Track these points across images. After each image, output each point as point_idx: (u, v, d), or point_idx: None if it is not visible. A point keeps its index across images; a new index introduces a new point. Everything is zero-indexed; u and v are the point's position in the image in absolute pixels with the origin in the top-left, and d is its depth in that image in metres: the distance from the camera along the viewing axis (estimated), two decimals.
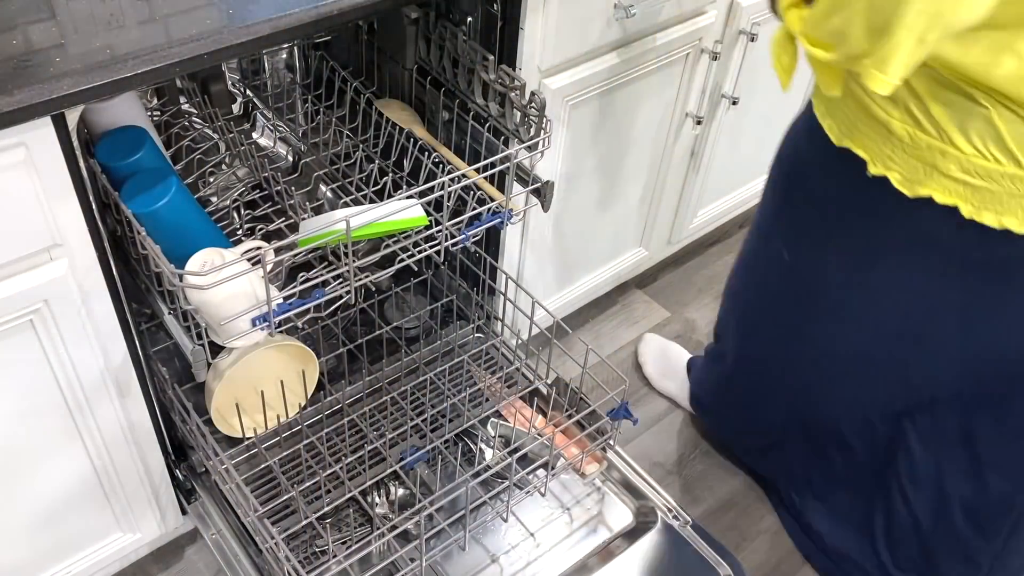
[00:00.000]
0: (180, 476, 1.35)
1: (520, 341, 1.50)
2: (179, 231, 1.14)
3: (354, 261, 1.08)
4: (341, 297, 1.11)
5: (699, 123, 1.70)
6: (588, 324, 2.01)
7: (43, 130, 0.92)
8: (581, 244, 1.73)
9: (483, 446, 1.44)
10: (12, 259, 0.98)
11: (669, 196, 1.84)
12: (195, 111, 1.56)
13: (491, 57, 1.26)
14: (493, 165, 1.22)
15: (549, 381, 1.43)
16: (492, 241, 1.54)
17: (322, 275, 1.10)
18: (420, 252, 1.20)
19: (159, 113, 1.50)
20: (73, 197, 0.99)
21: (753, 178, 2.06)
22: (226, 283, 1.02)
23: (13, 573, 1.25)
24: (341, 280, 1.10)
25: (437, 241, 1.17)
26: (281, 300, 1.05)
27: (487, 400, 1.49)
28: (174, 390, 1.24)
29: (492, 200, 1.23)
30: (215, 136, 1.54)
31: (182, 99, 1.56)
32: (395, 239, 1.21)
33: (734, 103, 1.74)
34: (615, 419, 1.31)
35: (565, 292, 1.80)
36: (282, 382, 1.29)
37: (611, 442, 1.34)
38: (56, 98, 0.89)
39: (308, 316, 1.11)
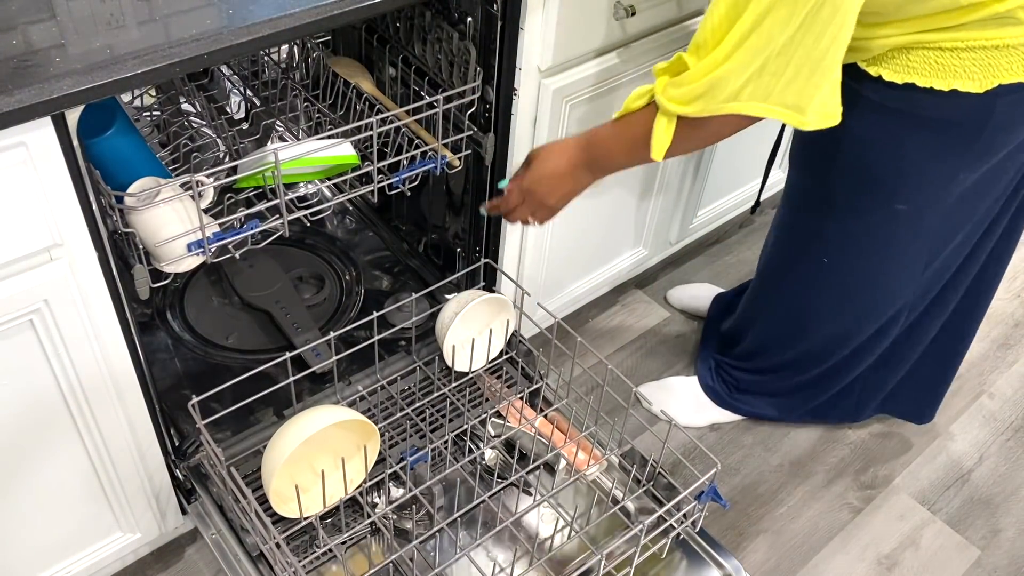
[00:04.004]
0: (180, 476, 1.35)
1: (520, 341, 1.50)
2: (125, 164, 1.18)
3: (286, 195, 1.17)
4: (277, 230, 1.20)
5: None
6: (588, 324, 2.01)
7: (43, 130, 0.92)
8: (581, 244, 1.73)
9: (483, 446, 1.44)
10: (12, 259, 0.98)
11: (669, 196, 1.84)
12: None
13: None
14: (420, 110, 1.30)
15: (621, 451, 1.40)
16: (492, 242, 1.54)
17: (257, 207, 1.19)
18: (355, 191, 1.31)
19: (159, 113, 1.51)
20: (73, 197, 0.98)
21: (753, 178, 2.06)
22: (160, 208, 1.11)
23: (13, 573, 1.25)
24: (278, 216, 1.19)
25: (373, 182, 1.27)
26: (217, 229, 1.14)
27: (487, 400, 1.49)
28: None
29: (426, 145, 1.33)
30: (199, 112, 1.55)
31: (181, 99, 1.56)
32: (331, 179, 1.33)
33: None
34: (703, 503, 1.27)
35: (565, 292, 1.80)
36: (343, 459, 1.26)
37: (693, 524, 1.32)
38: (56, 98, 0.89)
39: (245, 248, 1.20)
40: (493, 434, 1.44)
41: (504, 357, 1.50)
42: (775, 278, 1.62)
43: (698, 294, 2.04)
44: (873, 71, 1.21)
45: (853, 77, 1.23)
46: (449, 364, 1.43)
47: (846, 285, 1.49)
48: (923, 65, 1.16)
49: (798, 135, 1.43)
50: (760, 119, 1.12)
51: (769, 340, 1.70)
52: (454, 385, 1.46)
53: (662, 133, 1.17)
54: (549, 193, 1.31)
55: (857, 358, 1.63)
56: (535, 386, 1.48)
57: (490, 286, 1.58)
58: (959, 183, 1.30)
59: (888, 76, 1.19)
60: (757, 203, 1.72)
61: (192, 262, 1.17)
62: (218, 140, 1.57)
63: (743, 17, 1.04)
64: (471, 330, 1.44)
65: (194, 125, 1.55)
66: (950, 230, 1.39)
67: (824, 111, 1.10)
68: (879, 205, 1.35)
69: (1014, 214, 1.42)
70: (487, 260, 1.52)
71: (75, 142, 0.96)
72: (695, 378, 1.85)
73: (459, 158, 1.37)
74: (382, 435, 1.37)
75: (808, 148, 1.41)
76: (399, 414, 1.41)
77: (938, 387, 1.75)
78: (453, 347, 1.41)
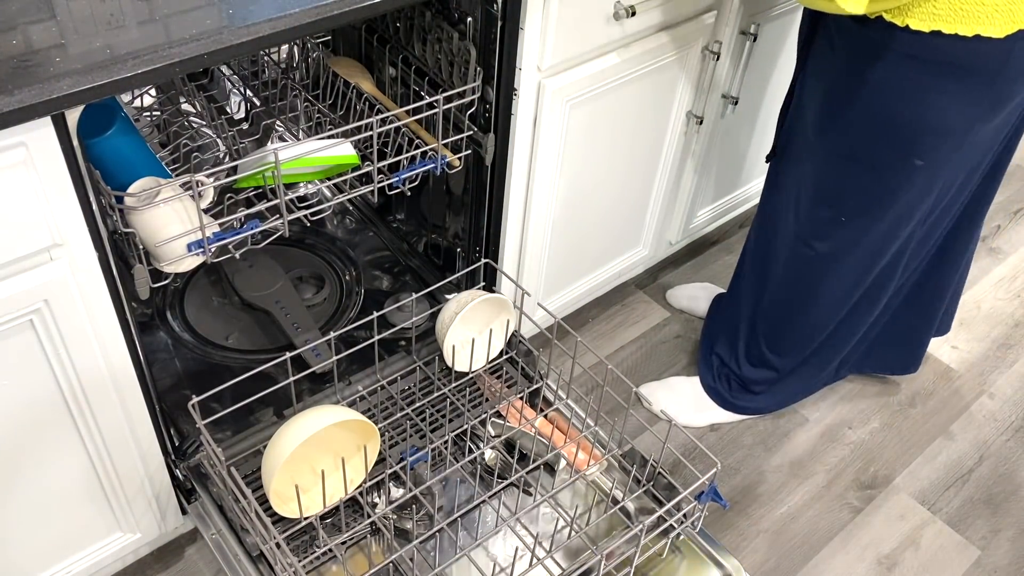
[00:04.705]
0: (180, 476, 1.35)
1: (520, 341, 1.50)
2: (125, 164, 1.18)
3: (286, 195, 1.17)
4: (277, 230, 1.21)
5: (700, 123, 1.70)
6: (588, 324, 2.01)
7: (43, 130, 0.92)
8: (581, 244, 1.73)
9: (483, 446, 1.44)
10: (12, 259, 0.98)
11: (669, 196, 1.84)
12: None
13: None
14: (419, 111, 1.30)
15: (621, 451, 1.40)
16: (492, 242, 1.54)
17: (257, 207, 1.19)
18: (354, 191, 1.30)
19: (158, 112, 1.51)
20: (73, 197, 0.99)
21: (753, 178, 2.06)
22: (160, 208, 1.11)
23: (13, 573, 1.26)
24: (278, 216, 1.20)
25: (373, 182, 1.28)
26: (217, 229, 1.14)
27: (487, 400, 1.49)
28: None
29: (426, 145, 1.34)
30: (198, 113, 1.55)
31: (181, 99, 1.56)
32: (331, 179, 1.34)
33: (734, 103, 1.74)
34: (703, 503, 1.28)
35: (565, 292, 1.80)
36: (343, 459, 1.26)
37: (694, 524, 1.32)
38: (56, 98, 0.89)
39: (245, 248, 1.21)
40: (493, 434, 1.44)
41: (504, 357, 1.50)
42: (783, 242, 1.62)
43: (698, 294, 2.04)
44: (899, 21, 1.23)
45: (878, 30, 1.26)
46: (449, 364, 1.43)
47: (857, 240, 1.52)
48: (948, 12, 1.19)
49: (820, 90, 1.44)
50: None
51: (773, 315, 1.70)
52: (454, 385, 1.46)
53: None
54: None
55: (854, 319, 1.66)
56: (535, 386, 1.48)
57: (490, 286, 1.58)
58: (974, 135, 1.33)
59: (915, 25, 1.22)
60: (774, 151, 1.73)
61: (192, 262, 1.17)
62: (218, 140, 1.57)
63: None
64: (471, 330, 1.44)
65: (194, 125, 1.55)
66: (954, 183, 1.44)
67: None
68: (899, 160, 1.38)
69: (996, 162, 1.48)
70: (487, 260, 1.52)
71: (75, 142, 0.96)
72: (696, 378, 1.86)
73: (459, 158, 1.37)
74: (382, 435, 1.37)
75: (831, 102, 1.42)
76: (399, 414, 1.41)
77: (921, 337, 1.80)
78: (453, 347, 1.41)
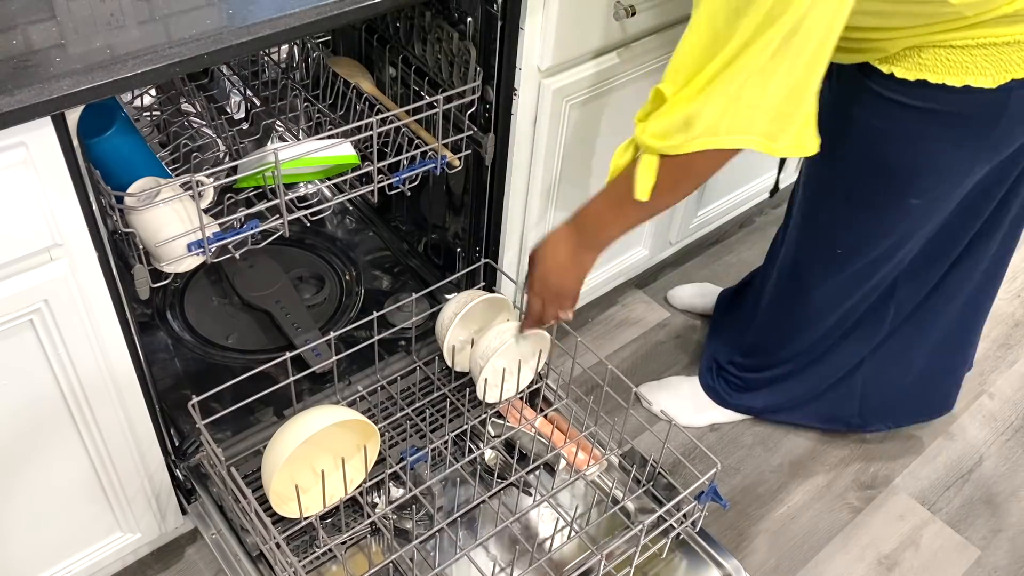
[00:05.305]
0: (180, 476, 1.35)
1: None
2: (125, 164, 1.18)
3: (286, 195, 1.18)
4: (277, 230, 1.21)
5: None
6: (588, 324, 2.01)
7: (43, 130, 0.92)
8: None
9: (483, 446, 1.44)
10: (12, 259, 0.98)
11: None
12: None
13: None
14: (419, 111, 1.31)
15: (621, 451, 1.41)
16: (492, 242, 1.54)
17: (257, 207, 1.20)
18: (354, 191, 1.31)
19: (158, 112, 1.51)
20: (73, 197, 0.99)
21: (753, 178, 2.06)
22: (160, 208, 1.11)
23: (13, 572, 1.26)
24: (278, 216, 1.20)
25: (373, 182, 1.29)
26: (217, 229, 1.14)
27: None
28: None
29: (426, 145, 1.34)
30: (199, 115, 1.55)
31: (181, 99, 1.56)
32: (331, 179, 1.35)
33: None
34: (703, 503, 1.28)
35: None
36: (343, 459, 1.27)
37: (693, 523, 1.32)
38: (56, 98, 0.89)
39: (245, 248, 1.21)
40: (493, 434, 1.44)
41: None
42: (794, 269, 1.61)
43: (698, 294, 2.04)
44: (885, 68, 1.21)
45: (865, 74, 1.24)
46: (449, 364, 1.43)
47: (856, 270, 1.50)
48: (935, 63, 1.16)
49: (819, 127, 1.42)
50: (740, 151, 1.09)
51: (779, 332, 1.70)
52: (454, 385, 1.47)
53: (646, 171, 1.11)
54: (562, 285, 1.29)
55: (863, 331, 1.64)
56: (535, 386, 1.48)
57: (490, 286, 1.58)
58: (974, 176, 1.31)
59: (900, 73, 1.20)
60: (776, 188, 1.71)
61: (192, 262, 1.17)
62: (218, 140, 1.57)
63: (721, 49, 1.01)
64: (471, 330, 1.44)
65: (194, 125, 1.55)
66: (951, 212, 1.41)
67: (799, 140, 1.07)
68: (893, 199, 1.36)
69: (1019, 212, 1.44)
70: (487, 260, 1.52)
71: (75, 142, 0.96)
72: (695, 378, 1.86)
73: (459, 158, 1.37)
74: (382, 435, 1.37)
75: (825, 141, 1.39)
76: (399, 414, 1.41)
77: (945, 380, 1.76)
78: (453, 347, 1.41)
